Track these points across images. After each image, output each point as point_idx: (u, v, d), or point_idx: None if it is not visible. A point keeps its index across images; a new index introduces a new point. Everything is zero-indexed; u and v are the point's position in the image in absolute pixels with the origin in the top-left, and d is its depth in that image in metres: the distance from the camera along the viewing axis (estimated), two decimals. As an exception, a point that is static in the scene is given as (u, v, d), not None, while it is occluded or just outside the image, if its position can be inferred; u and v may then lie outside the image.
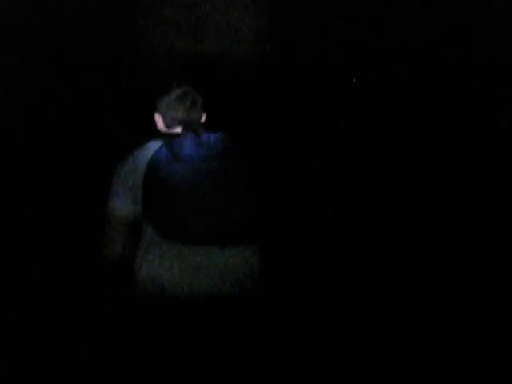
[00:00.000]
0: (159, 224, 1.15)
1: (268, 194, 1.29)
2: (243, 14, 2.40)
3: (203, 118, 1.43)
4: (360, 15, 2.46)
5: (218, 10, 2.38)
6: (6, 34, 2.32)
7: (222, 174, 1.18)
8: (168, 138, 1.27)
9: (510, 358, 1.90)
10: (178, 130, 1.34)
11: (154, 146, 1.29)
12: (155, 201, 1.17)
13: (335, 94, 2.53)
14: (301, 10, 2.46)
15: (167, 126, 1.36)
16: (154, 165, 1.21)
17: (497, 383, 1.87)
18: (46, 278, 2.18)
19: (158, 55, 2.43)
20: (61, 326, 2.02)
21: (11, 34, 2.32)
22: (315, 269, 2.34)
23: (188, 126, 1.30)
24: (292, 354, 2.06)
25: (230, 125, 1.66)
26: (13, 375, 1.81)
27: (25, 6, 2.32)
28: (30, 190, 2.34)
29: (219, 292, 1.19)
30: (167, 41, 2.41)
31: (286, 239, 2.34)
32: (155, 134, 1.44)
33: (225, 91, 2.44)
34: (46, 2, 2.33)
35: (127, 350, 1.41)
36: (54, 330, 2.01)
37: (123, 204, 1.26)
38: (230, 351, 1.25)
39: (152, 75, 2.42)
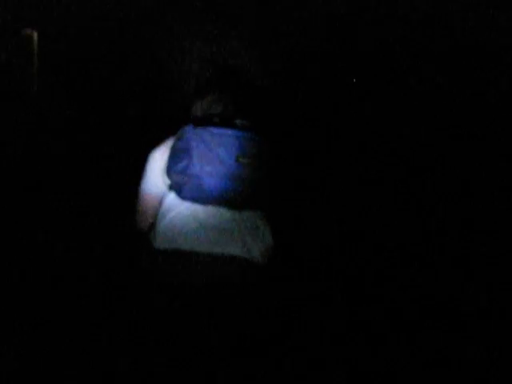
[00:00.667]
0: (179, 186, 1.30)
1: (281, 170, 1.40)
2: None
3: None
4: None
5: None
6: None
7: (244, 146, 1.29)
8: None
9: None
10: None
11: None
12: (177, 165, 1.30)
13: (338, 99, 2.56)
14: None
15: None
16: (178, 134, 1.36)
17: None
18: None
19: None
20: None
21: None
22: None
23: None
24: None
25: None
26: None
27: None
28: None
29: (226, 250, 1.30)
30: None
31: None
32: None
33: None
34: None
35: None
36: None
37: (153, 185, 1.42)
38: (234, 311, 1.34)
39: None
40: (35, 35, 2.53)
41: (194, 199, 1.32)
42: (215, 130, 1.29)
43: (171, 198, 1.36)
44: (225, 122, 1.35)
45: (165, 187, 1.41)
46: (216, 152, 1.27)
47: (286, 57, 2.51)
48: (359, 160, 2.59)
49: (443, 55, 2.47)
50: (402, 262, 2.44)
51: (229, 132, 1.30)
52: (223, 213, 1.31)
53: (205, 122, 1.34)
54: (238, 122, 1.36)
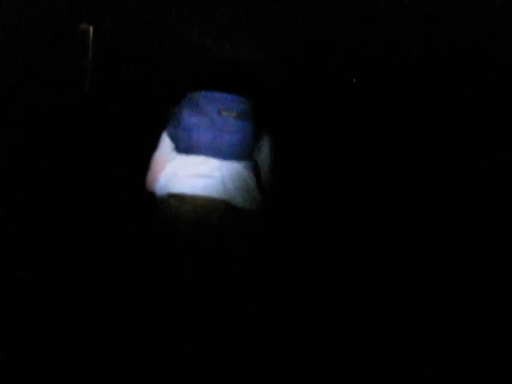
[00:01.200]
0: (177, 141, 1.54)
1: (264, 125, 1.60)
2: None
3: None
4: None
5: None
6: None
7: (232, 104, 1.50)
8: None
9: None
10: None
11: None
12: (171, 121, 1.57)
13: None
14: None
15: None
16: (185, 98, 1.59)
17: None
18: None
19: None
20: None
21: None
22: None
23: None
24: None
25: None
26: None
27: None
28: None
29: (210, 194, 1.49)
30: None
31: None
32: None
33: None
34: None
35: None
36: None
37: (162, 149, 1.65)
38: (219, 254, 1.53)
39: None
40: (91, 30, 2.60)
41: (187, 150, 1.53)
42: (204, 93, 1.54)
43: (172, 155, 1.58)
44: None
45: (171, 150, 1.63)
46: (201, 107, 1.48)
47: (291, 54, 2.50)
48: (358, 158, 2.59)
49: (443, 55, 2.46)
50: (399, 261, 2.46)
51: (215, 93, 1.52)
52: (211, 162, 1.51)
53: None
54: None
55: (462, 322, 2.16)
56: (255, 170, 1.56)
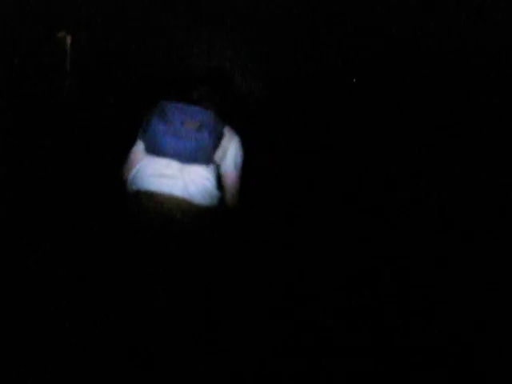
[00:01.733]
0: (146, 143, 1.76)
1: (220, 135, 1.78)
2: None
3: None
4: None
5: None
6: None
7: (196, 115, 1.72)
8: None
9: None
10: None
11: None
12: (142, 127, 1.78)
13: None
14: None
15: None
16: (156, 106, 1.79)
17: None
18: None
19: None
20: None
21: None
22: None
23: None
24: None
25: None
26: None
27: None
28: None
29: (172, 191, 1.72)
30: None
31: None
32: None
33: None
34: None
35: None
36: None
37: (136, 147, 1.88)
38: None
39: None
40: (69, 38, 2.74)
41: (154, 152, 1.75)
42: (173, 104, 1.74)
43: (142, 155, 1.82)
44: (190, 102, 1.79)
45: (142, 150, 1.86)
46: (168, 116, 1.70)
47: (289, 57, 2.66)
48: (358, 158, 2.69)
49: (444, 54, 2.52)
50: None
51: (182, 105, 1.73)
52: (173, 164, 1.75)
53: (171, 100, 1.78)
54: (204, 103, 1.82)
55: (462, 321, 2.17)
56: (214, 172, 1.80)
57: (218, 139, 1.75)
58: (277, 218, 2.61)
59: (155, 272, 1.80)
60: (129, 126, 2.80)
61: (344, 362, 1.96)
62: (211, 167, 1.80)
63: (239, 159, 1.87)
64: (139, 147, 1.84)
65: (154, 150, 1.73)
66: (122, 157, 2.69)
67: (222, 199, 1.88)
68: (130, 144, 2.72)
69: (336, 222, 2.60)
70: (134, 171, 1.80)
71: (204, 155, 1.72)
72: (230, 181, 1.85)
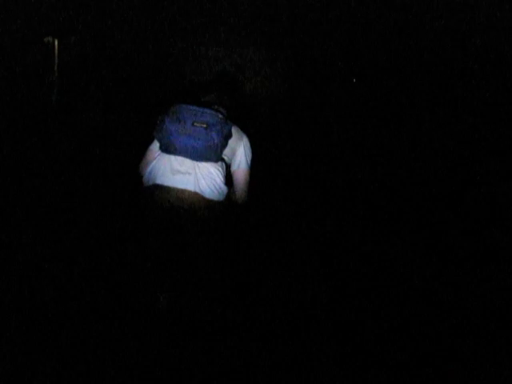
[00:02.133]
0: (161, 142, 1.86)
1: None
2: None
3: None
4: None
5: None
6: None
7: (204, 116, 1.85)
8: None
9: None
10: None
11: None
12: (158, 126, 1.87)
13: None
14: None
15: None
16: (170, 108, 1.91)
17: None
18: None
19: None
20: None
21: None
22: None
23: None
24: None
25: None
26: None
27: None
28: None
29: (185, 186, 1.86)
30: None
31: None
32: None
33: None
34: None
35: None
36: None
37: (152, 146, 1.98)
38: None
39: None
40: (56, 43, 2.70)
41: (168, 151, 1.87)
42: (185, 106, 1.86)
43: (158, 152, 1.93)
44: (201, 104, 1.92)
45: (157, 148, 1.98)
46: (180, 117, 1.83)
47: (294, 59, 2.75)
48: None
49: (444, 54, 2.64)
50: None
51: (193, 107, 1.86)
52: (186, 161, 1.87)
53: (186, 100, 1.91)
54: (213, 106, 1.93)
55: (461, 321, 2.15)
56: (223, 169, 1.92)
57: (225, 139, 1.88)
58: (281, 214, 2.68)
59: (167, 258, 1.99)
60: (118, 128, 2.82)
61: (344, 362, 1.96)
62: (220, 164, 1.92)
63: (249, 157, 1.98)
64: (155, 146, 1.96)
65: (168, 148, 1.85)
66: (112, 156, 2.75)
67: (228, 195, 2.01)
68: (120, 144, 2.79)
69: (338, 220, 2.70)
70: (150, 168, 1.92)
71: (213, 153, 1.84)
72: (240, 178, 1.96)
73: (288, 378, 1.83)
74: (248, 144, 1.99)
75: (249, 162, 1.97)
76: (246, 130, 2.04)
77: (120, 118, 2.89)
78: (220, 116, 1.87)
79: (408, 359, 1.91)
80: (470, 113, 2.64)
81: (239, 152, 1.95)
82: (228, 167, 1.96)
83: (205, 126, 1.81)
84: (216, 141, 1.82)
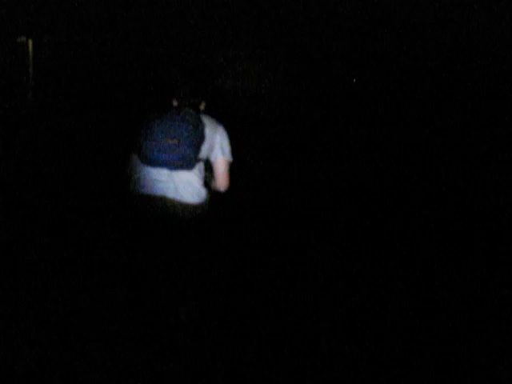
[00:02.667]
0: (139, 154, 2.00)
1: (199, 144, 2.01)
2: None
3: (201, 106, 2.14)
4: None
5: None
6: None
7: (176, 132, 1.98)
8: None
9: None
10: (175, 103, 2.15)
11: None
12: (140, 141, 2.00)
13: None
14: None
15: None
16: (145, 118, 2.04)
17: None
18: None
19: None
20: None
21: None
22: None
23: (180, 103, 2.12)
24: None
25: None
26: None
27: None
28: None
29: (166, 194, 2.02)
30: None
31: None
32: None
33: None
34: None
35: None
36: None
37: (133, 163, 2.11)
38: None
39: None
40: (30, 43, 2.70)
41: (146, 163, 2.03)
42: (156, 122, 2.00)
43: (139, 165, 2.07)
44: (176, 110, 2.05)
45: (137, 161, 2.13)
46: (153, 136, 1.98)
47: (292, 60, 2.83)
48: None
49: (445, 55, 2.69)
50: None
51: (164, 123, 1.99)
52: (164, 172, 2.03)
53: (160, 113, 2.05)
54: (186, 109, 2.04)
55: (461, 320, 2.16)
56: (200, 173, 2.07)
57: (198, 146, 2.03)
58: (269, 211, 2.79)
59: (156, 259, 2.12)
60: (92, 129, 2.84)
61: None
62: (198, 168, 2.08)
63: (226, 147, 2.10)
64: (135, 159, 2.12)
65: (145, 160, 2.03)
66: (88, 157, 2.80)
67: (209, 195, 2.15)
68: (95, 147, 2.85)
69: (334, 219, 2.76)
70: (134, 178, 2.09)
71: (187, 162, 2.00)
72: (218, 168, 2.09)
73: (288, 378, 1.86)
74: (223, 134, 2.09)
75: (226, 152, 2.08)
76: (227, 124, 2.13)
77: (97, 118, 2.92)
78: (190, 127, 2.01)
79: (408, 359, 1.91)
80: (470, 113, 2.69)
81: (216, 144, 2.07)
82: (208, 160, 2.09)
83: (176, 141, 1.98)
84: (188, 152, 1.99)
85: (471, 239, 2.61)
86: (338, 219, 2.84)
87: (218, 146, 2.05)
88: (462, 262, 2.48)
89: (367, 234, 2.74)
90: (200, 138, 2.01)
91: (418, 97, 2.81)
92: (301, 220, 2.86)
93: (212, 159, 2.06)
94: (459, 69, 2.73)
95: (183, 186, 2.01)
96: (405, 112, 2.83)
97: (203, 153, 2.04)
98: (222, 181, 2.07)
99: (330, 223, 2.83)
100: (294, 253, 2.66)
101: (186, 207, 2.02)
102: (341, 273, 2.51)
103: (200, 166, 2.06)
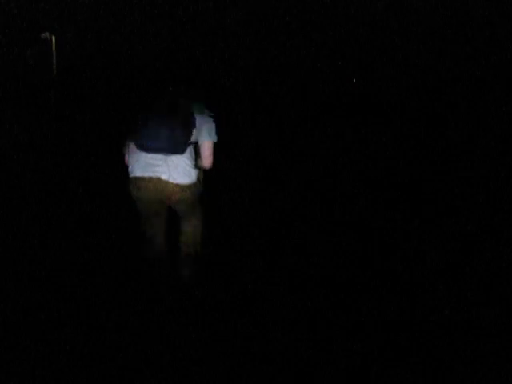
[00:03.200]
0: (136, 141, 2.23)
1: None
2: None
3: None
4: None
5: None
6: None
7: (167, 120, 2.22)
8: None
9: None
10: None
11: None
12: (136, 130, 2.23)
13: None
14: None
15: None
16: (141, 108, 2.30)
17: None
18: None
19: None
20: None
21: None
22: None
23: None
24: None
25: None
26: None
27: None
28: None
29: (159, 176, 2.27)
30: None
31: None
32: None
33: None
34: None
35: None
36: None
37: (132, 149, 2.33)
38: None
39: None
40: (53, 39, 2.70)
41: (141, 150, 2.27)
42: (151, 115, 2.23)
43: (136, 151, 2.30)
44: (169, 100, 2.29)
45: (135, 147, 2.37)
46: (150, 124, 2.21)
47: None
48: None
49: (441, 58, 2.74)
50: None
51: (158, 116, 2.22)
52: (158, 156, 2.28)
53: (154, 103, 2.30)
54: (179, 100, 2.29)
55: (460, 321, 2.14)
56: (191, 155, 2.33)
57: (188, 134, 2.28)
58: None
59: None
60: (114, 123, 2.85)
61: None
62: (189, 151, 2.33)
63: (212, 131, 2.35)
64: (132, 146, 2.34)
65: (143, 147, 2.26)
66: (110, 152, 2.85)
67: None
68: (115, 139, 2.91)
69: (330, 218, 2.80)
70: (132, 162, 2.34)
71: (179, 147, 2.26)
72: (204, 149, 2.35)
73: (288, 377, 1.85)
74: (210, 121, 2.36)
75: (212, 135, 2.35)
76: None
77: (119, 114, 2.94)
78: (179, 119, 2.26)
79: (408, 359, 1.91)
80: (470, 113, 2.73)
81: (204, 130, 2.33)
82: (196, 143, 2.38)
83: (169, 130, 2.22)
84: (180, 140, 2.24)
85: (471, 239, 2.59)
86: (338, 219, 2.82)
87: (204, 131, 2.31)
88: (462, 262, 2.47)
89: (367, 234, 2.70)
90: (191, 126, 2.28)
91: (418, 97, 2.89)
92: (300, 220, 2.87)
93: (200, 142, 2.33)
94: (459, 68, 2.79)
95: (176, 169, 2.29)
96: (405, 112, 2.90)
97: (193, 137, 2.30)
98: (206, 159, 2.34)
99: (329, 223, 2.81)
100: (291, 250, 2.63)
101: (178, 187, 2.31)
102: (341, 274, 2.44)
103: (191, 150, 2.33)
